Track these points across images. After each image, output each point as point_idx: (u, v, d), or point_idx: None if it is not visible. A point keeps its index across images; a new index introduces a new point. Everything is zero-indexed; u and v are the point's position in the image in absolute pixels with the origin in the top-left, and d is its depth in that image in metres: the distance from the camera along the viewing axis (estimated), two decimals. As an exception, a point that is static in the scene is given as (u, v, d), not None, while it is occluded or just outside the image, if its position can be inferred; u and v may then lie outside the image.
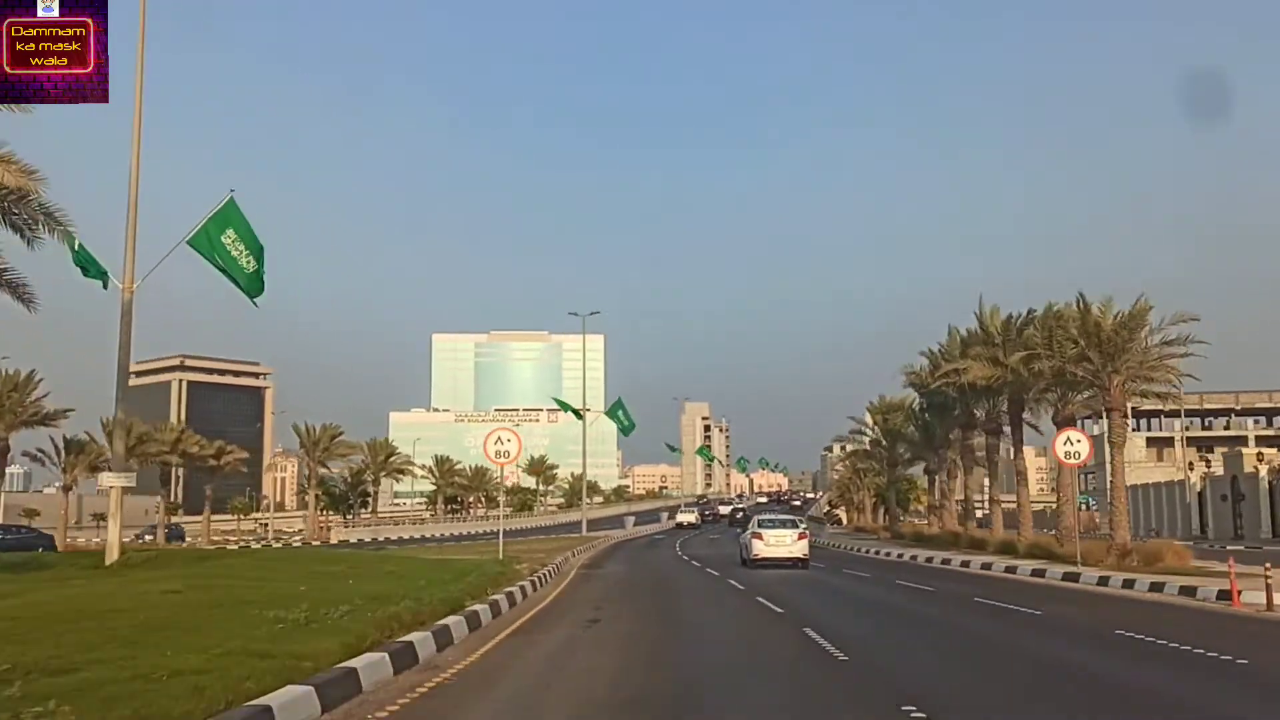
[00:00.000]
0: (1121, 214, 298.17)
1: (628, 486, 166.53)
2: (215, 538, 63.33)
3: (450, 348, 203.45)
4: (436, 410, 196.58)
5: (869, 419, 51.81)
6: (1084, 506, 57.78)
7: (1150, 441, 75.63)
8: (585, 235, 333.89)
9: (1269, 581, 13.28)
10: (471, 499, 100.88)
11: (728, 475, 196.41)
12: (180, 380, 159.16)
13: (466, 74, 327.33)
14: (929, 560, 27.49)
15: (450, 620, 9.82)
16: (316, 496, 69.53)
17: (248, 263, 19.01)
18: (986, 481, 42.34)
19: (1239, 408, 78.26)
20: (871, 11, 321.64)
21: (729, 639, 11.11)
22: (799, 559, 24.68)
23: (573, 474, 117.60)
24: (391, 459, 77.67)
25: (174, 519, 70.88)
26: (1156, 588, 16.40)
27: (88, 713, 4.92)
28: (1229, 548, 31.93)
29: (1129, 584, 17.26)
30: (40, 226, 15.42)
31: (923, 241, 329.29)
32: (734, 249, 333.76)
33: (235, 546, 48.84)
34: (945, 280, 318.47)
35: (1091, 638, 10.95)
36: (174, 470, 64.47)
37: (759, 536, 25.10)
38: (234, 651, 6.97)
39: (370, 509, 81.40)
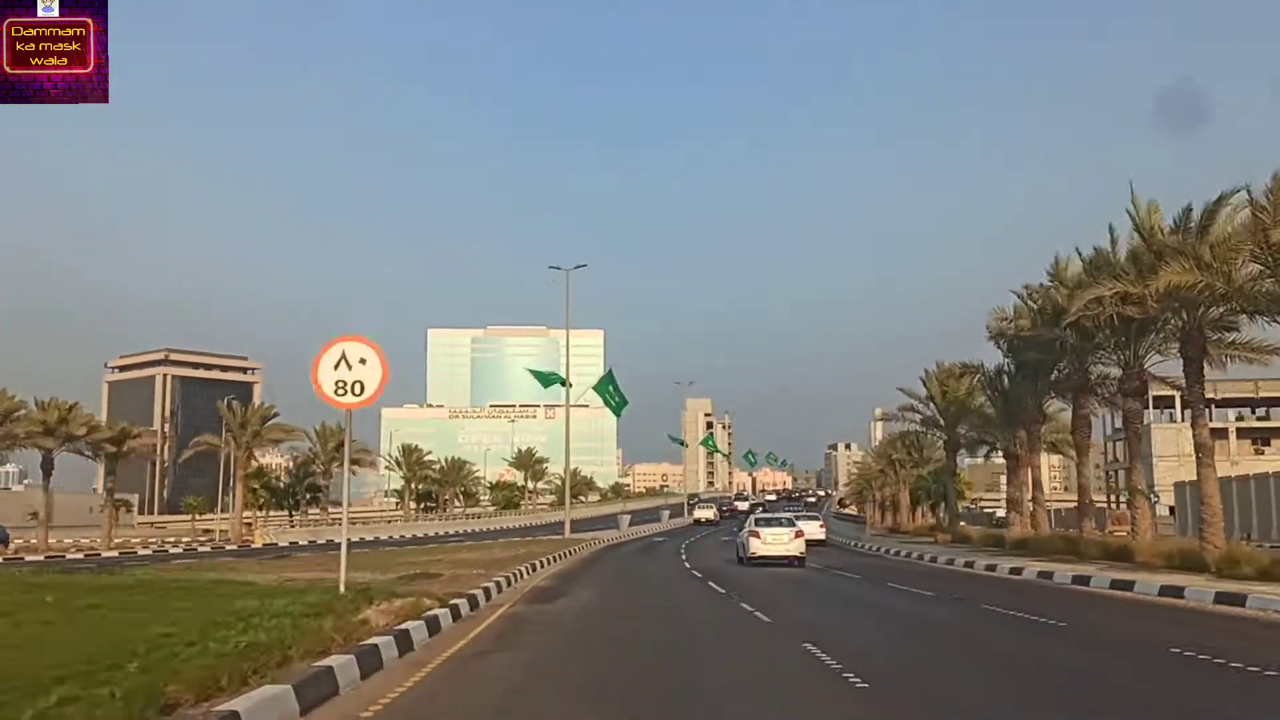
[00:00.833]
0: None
1: (627, 485, 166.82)
2: (117, 540, 51.11)
3: (446, 343, 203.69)
4: (430, 406, 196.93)
5: (925, 390, 41.29)
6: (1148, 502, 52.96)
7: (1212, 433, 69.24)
8: (585, 231, 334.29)
9: None
10: (447, 495, 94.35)
11: (730, 473, 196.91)
12: (165, 375, 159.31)
13: (466, 69, 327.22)
14: (1045, 578, 19.22)
15: None
16: (251, 491, 62.19)
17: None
18: (1101, 466, 35.32)
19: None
20: (865, 13, 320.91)
21: None
22: (796, 557, 25.24)
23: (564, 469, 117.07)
24: (344, 447, 70.53)
25: (143, 519, 62.80)
26: None
27: None
28: None
29: None
30: None
31: (923, 243, 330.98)
32: (734, 248, 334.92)
33: (110, 553, 39.79)
34: (944, 281, 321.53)
35: None
36: (53, 455, 47.35)
37: (756, 535, 25.73)
38: None
39: (321, 506, 73.13)
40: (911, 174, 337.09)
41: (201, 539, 58.29)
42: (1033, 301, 27.82)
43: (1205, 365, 20.79)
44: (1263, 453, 62.01)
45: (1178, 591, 14.72)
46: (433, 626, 10.05)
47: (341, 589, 11.76)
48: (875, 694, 7.06)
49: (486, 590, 14.45)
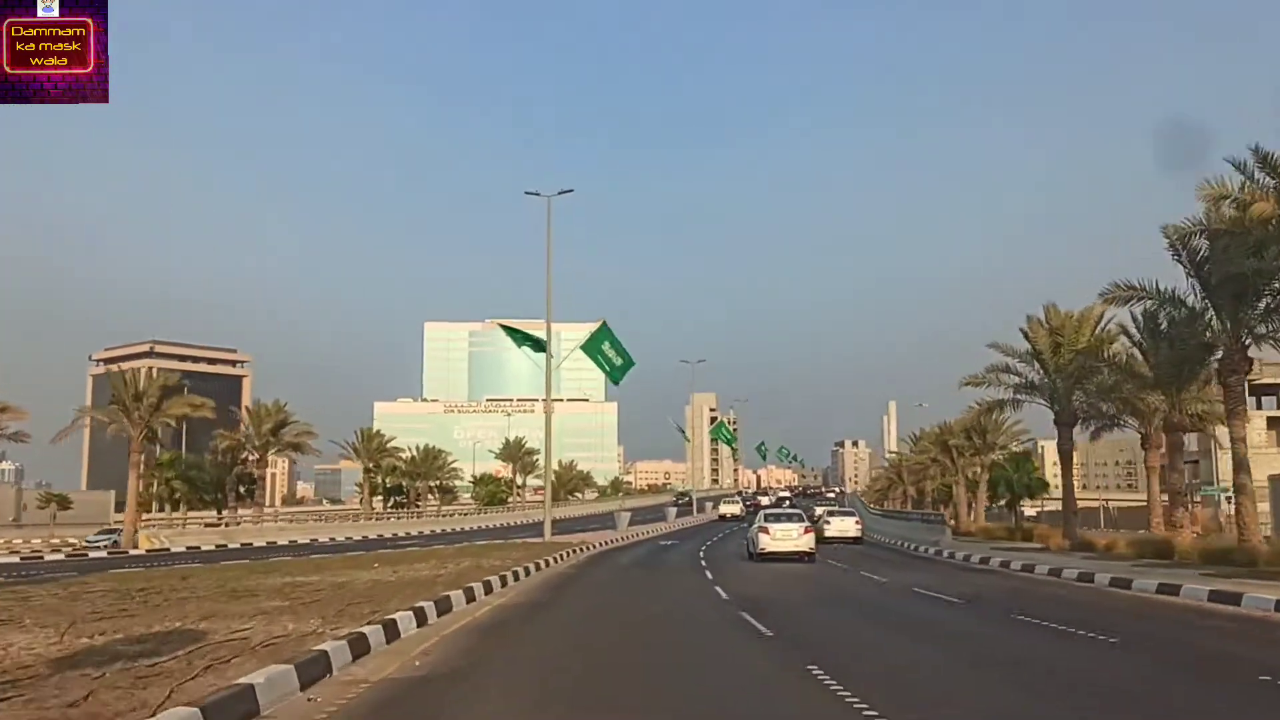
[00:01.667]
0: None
1: (629, 482, 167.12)
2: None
3: (443, 337, 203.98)
4: (425, 401, 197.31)
5: (1028, 343, 32.21)
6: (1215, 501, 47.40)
7: (1271, 421, 61.64)
8: (586, 227, 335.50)
9: None
10: (419, 488, 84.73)
11: (736, 470, 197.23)
12: (150, 367, 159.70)
13: (464, 65, 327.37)
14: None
15: None
16: (166, 483, 54.72)
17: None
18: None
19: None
20: (863, 16, 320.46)
21: None
22: (805, 553, 26.26)
23: (560, 462, 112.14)
24: (284, 429, 58.03)
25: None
26: None
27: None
28: None
29: None
30: None
31: (924, 244, 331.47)
32: (736, 248, 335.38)
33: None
34: (945, 281, 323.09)
35: None
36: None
37: (765, 531, 26.61)
38: None
39: (263, 499, 65.22)
40: (909, 175, 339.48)
41: (73, 542, 49.52)
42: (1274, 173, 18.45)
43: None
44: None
45: None
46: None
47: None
48: None
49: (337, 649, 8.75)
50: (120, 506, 60.46)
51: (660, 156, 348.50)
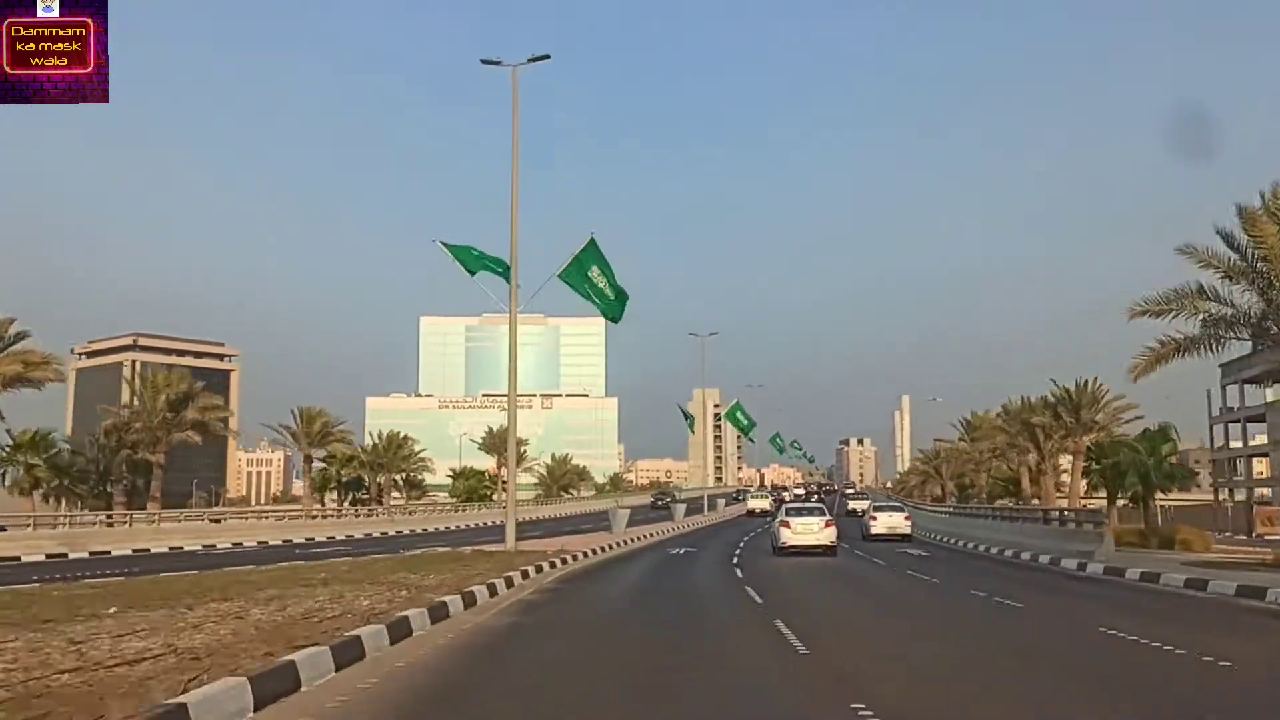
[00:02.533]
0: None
1: (630, 480, 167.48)
2: None
3: (439, 331, 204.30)
4: (420, 396, 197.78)
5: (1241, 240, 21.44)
6: None
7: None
8: (585, 221, 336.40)
9: None
10: (380, 482, 75.04)
11: (740, 468, 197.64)
12: (133, 361, 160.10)
13: (460, 59, 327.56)
14: None
15: None
16: (28, 469, 47.06)
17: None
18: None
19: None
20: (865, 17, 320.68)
21: None
22: (826, 547, 27.35)
23: (553, 456, 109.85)
24: (188, 407, 50.00)
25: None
26: None
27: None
28: None
29: None
30: None
31: (922, 244, 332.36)
32: (738, 242, 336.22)
33: None
34: (942, 282, 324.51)
35: None
36: None
37: (786, 525, 28.06)
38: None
39: (153, 495, 51.50)
40: (907, 174, 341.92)
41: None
42: None
43: None
44: None
45: None
46: None
47: None
48: None
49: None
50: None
51: (658, 156, 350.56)
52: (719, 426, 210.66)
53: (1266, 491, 65.32)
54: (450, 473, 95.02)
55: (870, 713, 6.46)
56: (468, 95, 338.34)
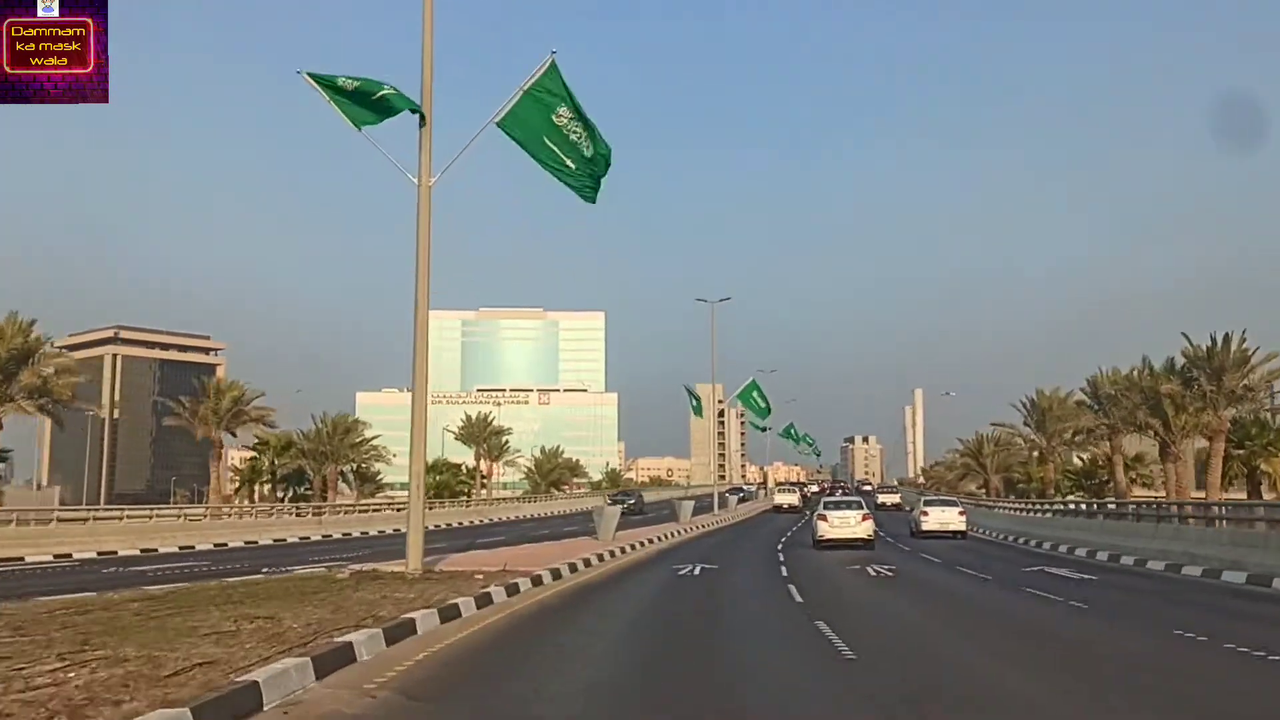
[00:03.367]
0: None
1: (630, 478, 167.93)
2: None
3: (435, 325, 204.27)
4: (411, 391, 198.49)
5: None
6: None
7: None
8: (582, 213, 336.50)
9: None
10: (326, 475, 64.41)
11: (743, 466, 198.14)
12: (114, 354, 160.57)
13: (454, 47, 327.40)
14: None
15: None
16: None
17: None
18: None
19: None
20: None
21: None
22: (864, 540, 28.53)
23: (543, 449, 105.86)
24: (23, 370, 42.73)
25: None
26: None
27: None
28: None
29: None
30: None
31: (918, 245, 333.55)
32: (741, 235, 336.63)
33: None
34: (936, 281, 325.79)
35: None
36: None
37: (824, 518, 29.29)
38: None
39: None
40: (903, 175, 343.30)
41: None
42: None
43: None
44: None
45: None
46: None
47: None
48: None
49: None
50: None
51: (653, 156, 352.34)
52: (723, 423, 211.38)
53: None
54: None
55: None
56: (454, 74, 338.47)
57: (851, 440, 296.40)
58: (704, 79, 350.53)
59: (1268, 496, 32.86)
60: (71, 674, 6.93)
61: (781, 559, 24.41)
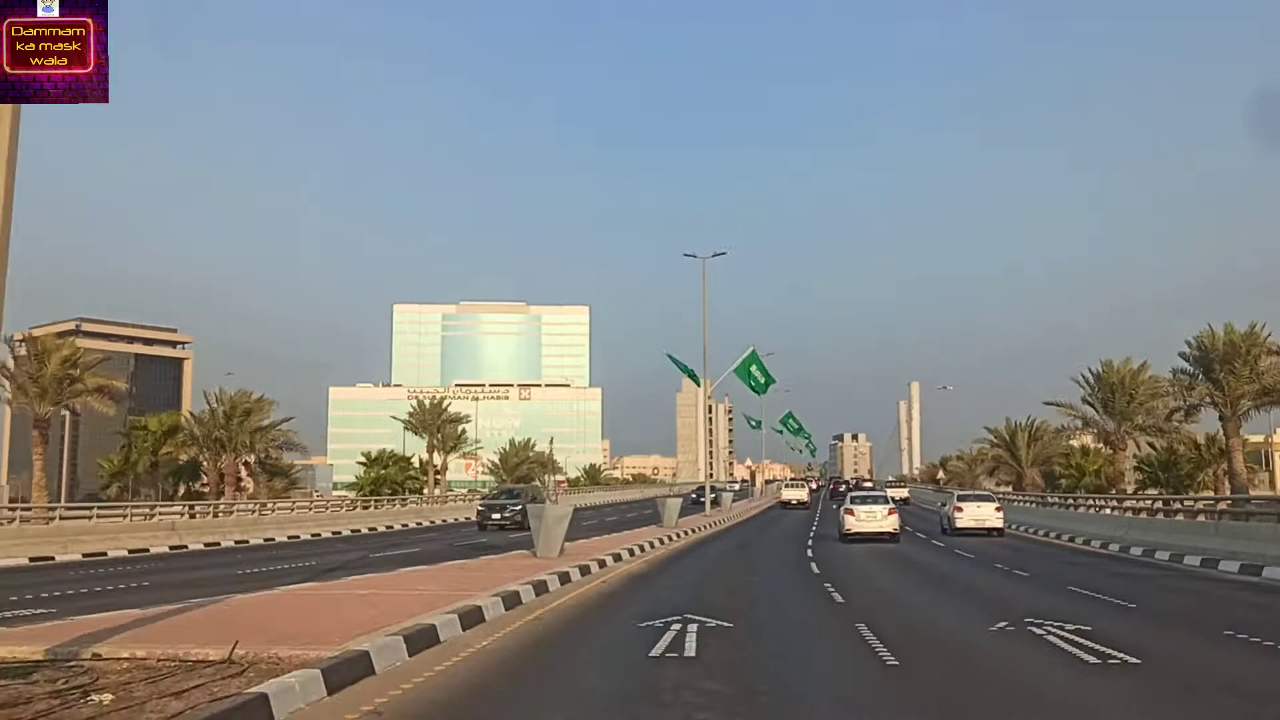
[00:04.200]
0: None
1: (615, 476, 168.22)
2: None
3: (414, 319, 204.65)
4: (390, 387, 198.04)
5: None
6: None
7: None
8: (561, 208, 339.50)
9: None
10: (224, 466, 54.86)
11: (730, 464, 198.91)
12: (76, 347, 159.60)
13: (429, 38, 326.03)
14: None
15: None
16: None
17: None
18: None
19: None
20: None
21: None
22: (890, 533, 29.89)
23: (512, 442, 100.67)
24: None
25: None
26: None
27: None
28: None
29: None
30: None
31: (898, 245, 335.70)
32: (729, 231, 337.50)
33: None
34: (928, 280, 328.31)
35: None
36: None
37: (851, 513, 30.59)
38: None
39: None
40: (872, 174, 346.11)
41: None
42: None
43: None
44: None
45: None
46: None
47: None
48: None
49: None
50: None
51: (643, 153, 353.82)
52: (711, 419, 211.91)
53: None
54: (363, 458, 76.14)
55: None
56: (430, 66, 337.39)
57: (840, 438, 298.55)
58: (693, 76, 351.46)
59: None
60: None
61: (836, 597, 15.33)
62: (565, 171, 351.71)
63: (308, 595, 14.33)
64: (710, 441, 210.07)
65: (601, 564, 19.97)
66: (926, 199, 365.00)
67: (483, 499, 47.41)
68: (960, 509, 34.38)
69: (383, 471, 72.19)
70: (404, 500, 56.77)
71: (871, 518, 30.00)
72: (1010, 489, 63.97)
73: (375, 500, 54.26)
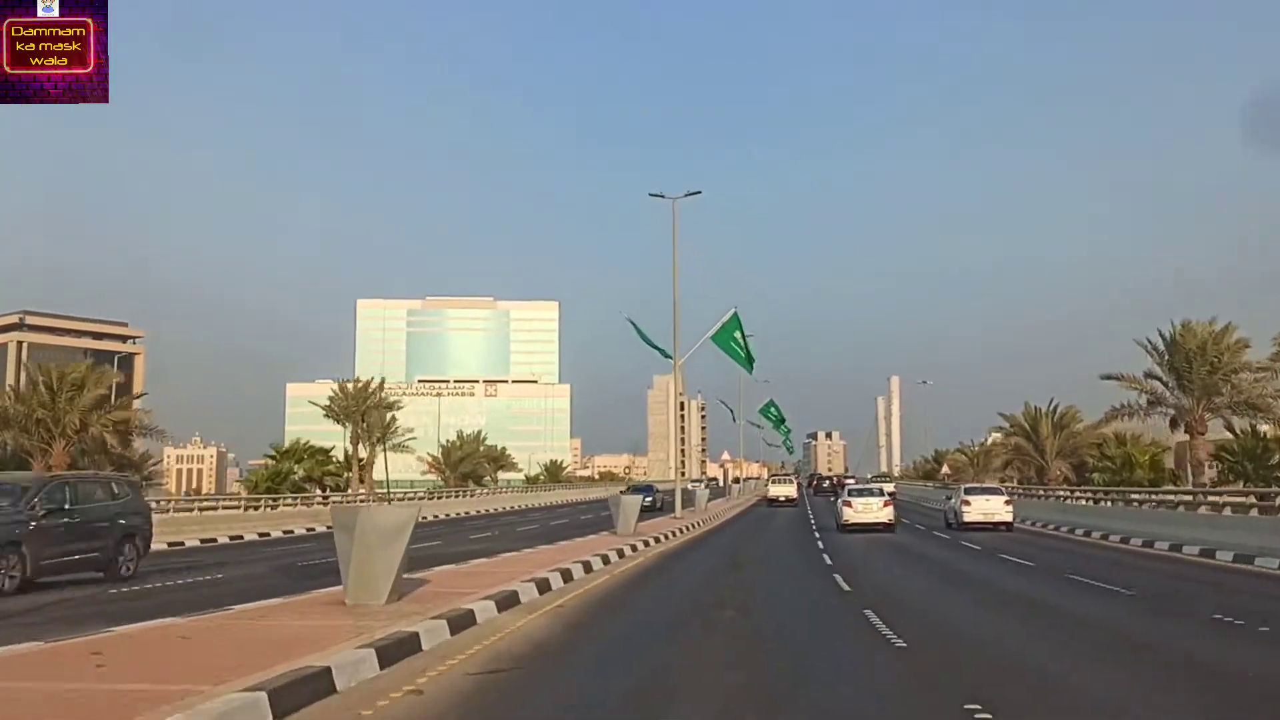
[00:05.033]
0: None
1: (585, 474, 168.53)
2: None
3: (378, 315, 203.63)
4: (350, 382, 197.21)
5: None
6: None
7: None
8: (538, 201, 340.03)
9: None
10: (53, 458, 40.53)
11: (703, 463, 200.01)
12: (19, 341, 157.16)
13: (400, 25, 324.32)
14: None
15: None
16: None
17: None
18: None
19: None
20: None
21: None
22: (886, 524, 31.94)
23: (460, 434, 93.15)
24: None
25: None
26: None
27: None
28: None
29: None
30: None
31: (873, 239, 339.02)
32: (701, 231, 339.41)
33: None
34: (908, 274, 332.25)
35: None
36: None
37: (849, 504, 33.03)
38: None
39: None
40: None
41: None
42: None
43: None
44: None
45: None
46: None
47: None
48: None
49: None
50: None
51: (618, 151, 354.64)
52: (683, 417, 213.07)
53: None
54: (270, 453, 69.35)
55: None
56: (404, 53, 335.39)
57: (814, 436, 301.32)
58: (668, 70, 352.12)
59: None
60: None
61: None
62: (538, 166, 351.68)
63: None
64: (683, 437, 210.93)
65: (460, 622, 10.71)
66: (894, 197, 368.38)
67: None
68: (968, 502, 34.11)
69: (295, 466, 64.06)
70: (310, 500, 47.56)
71: (868, 509, 32.44)
72: (1017, 484, 58.16)
73: (264, 500, 44.46)
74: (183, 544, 30.44)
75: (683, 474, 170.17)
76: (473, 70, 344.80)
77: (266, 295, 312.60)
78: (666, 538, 27.57)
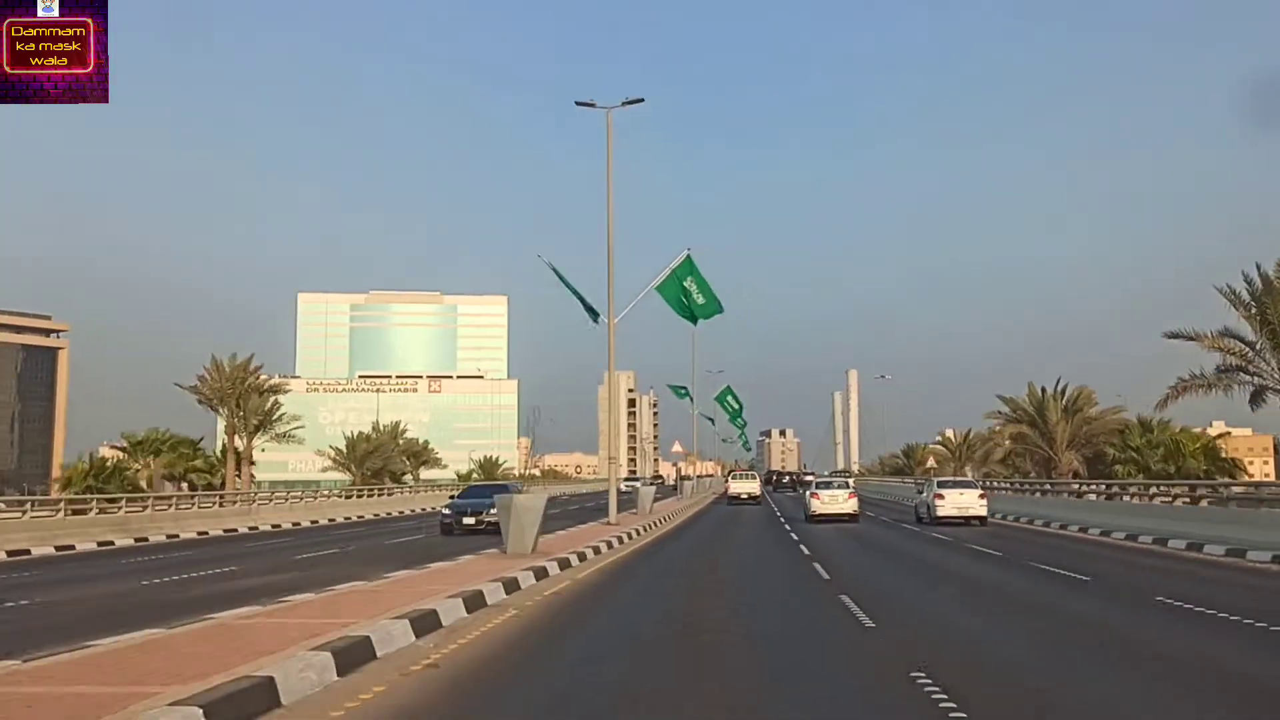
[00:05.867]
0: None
1: (532, 472, 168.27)
2: None
3: (319, 309, 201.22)
4: (288, 378, 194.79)
5: None
6: None
7: None
8: (491, 204, 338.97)
9: None
10: None
11: (656, 460, 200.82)
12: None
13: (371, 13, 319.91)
14: None
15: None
16: None
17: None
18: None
19: None
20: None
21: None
22: (850, 514, 35.40)
23: (376, 426, 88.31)
24: None
25: None
26: None
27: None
28: None
29: None
30: None
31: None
32: (654, 221, 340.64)
33: None
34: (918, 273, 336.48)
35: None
36: None
37: (816, 496, 36.68)
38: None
39: None
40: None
41: None
42: None
43: None
44: None
45: None
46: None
47: None
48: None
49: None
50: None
51: (576, 147, 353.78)
52: (633, 409, 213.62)
53: None
54: (122, 442, 63.58)
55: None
56: (348, 54, 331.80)
57: (768, 433, 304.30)
58: (646, 69, 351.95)
59: None
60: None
61: None
62: (496, 157, 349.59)
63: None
64: (632, 434, 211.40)
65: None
66: (845, 192, 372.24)
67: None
68: (941, 495, 34.11)
69: (149, 459, 56.49)
70: (142, 504, 36.92)
71: (834, 501, 35.98)
72: (1003, 479, 54.11)
73: (108, 501, 37.54)
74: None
75: (633, 473, 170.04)
76: (420, 57, 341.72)
77: (207, 288, 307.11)
78: (599, 550, 21.56)
